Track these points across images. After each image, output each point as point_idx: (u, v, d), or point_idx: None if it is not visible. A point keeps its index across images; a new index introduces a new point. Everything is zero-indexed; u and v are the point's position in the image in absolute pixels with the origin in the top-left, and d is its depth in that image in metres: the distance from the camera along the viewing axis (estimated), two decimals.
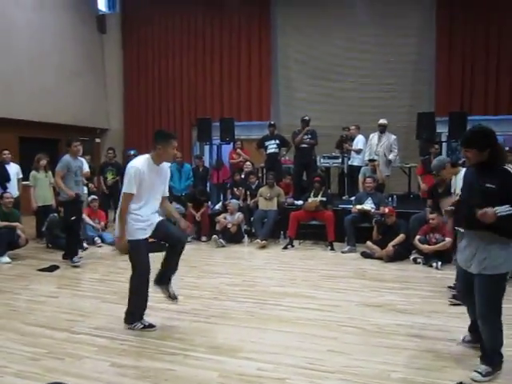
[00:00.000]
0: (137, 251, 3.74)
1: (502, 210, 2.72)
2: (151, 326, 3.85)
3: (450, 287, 4.73)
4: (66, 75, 11.43)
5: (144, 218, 3.71)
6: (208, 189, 9.22)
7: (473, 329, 3.35)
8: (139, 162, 3.68)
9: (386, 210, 6.57)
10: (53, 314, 4.20)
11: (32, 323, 3.98)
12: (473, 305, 3.06)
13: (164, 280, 3.91)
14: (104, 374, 3.03)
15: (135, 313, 3.86)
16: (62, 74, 11.35)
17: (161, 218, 3.90)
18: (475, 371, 2.96)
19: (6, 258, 6.24)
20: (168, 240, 3.90)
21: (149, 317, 4.07)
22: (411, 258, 6.23)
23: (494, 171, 2.86)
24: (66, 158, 6.13)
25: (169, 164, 3.99)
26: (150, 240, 3.85)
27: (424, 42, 10.65)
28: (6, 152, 7.66)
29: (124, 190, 3.66)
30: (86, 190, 6.70)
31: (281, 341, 3.58)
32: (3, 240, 6.26)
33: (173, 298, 3.99)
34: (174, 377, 3.00)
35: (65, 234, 6.50)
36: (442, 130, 9.31)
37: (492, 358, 3.00)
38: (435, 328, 3.80)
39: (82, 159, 6.44)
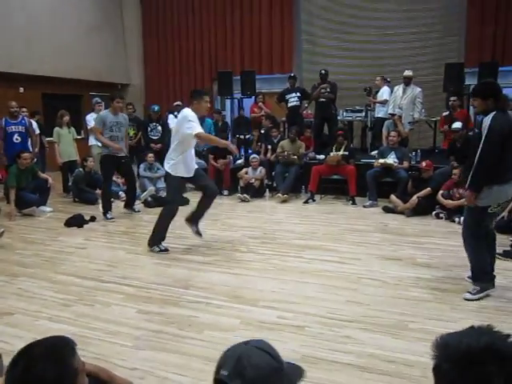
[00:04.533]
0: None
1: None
2: (166, 249, 4.71)
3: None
4: (84, 30, 11.34)
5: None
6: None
7: None
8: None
9: (424, 163, 6.47)
10: (81, 264, 4.39)
11: (63, 272, 4.17)
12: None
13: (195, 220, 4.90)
14: (131, 320, 3.18)
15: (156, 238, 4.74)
16: (81, 28, 11.25)
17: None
18: (467, 292, 3.50)
19: (49, 208, 6.80)
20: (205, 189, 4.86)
21: (174, 267, 4.25)
22: (433, 213, 6.18)
23: None
24: (103, 113, 6.25)
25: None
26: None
27: None
28: (24, 109, 7.77)
29: (198, 130, 4.49)
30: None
31: (301, 291, 3.67)
32: (45, 191, 6.76)
33: (199, 234, 4.95)
34: (198, 323, 3.13)
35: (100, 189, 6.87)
36: (472, 82, 8.96)
37: (478, 276, 3.51)
38: (455, 281, 3.81)
39: (125, 115, 6.41)
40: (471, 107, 8.17)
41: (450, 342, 1.05)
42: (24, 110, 7.75)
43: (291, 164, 7.49)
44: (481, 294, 3.46)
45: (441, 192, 6.01)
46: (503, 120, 3.30)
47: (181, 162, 4.61)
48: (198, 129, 4.49)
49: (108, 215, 6.20)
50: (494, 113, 3.29)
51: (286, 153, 7.49)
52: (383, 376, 2.49)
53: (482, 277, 3.51)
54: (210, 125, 8.82)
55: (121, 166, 6.24)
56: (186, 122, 4.46)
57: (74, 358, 1.28)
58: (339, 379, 2.47)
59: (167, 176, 4.80)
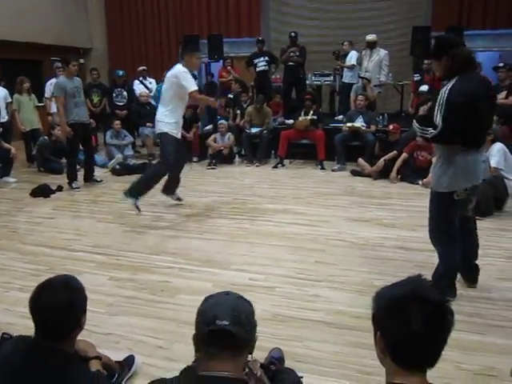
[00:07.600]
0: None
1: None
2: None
3: None
4: None
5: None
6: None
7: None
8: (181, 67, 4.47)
9: (391, 126, 6.56)
10: (50, 234, 4.33)
11: (31, 243, 4.11)
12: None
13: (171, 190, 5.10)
14: (103, 287, 3.19)
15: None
16: None
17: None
18: None
19: (13, 178, 6.61)
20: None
21: (145, 235, 4.25)
22: (399, 176, 6.32)
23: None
24: (60, 79, 5.95)
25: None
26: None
27: None
28: None
29: (193, 88, 4.42)
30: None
31: (271, 254, 3.75)
32: (7, 161, 6.50)
33: (180, 200, 5.24)
34: (171, 287, 3.18)
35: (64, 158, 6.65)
36: None
37: (438, 280, 2.88)
38: (419, 240, 3.93)
39: (78, 78, 6.11)
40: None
41: (381, 293, 1.17)
42: None
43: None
44: None
45: (404, 154, 6.13)
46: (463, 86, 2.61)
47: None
48: (194, 86, 4.49)
49: (74, 184, 6.07)
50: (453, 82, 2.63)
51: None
52: (350, 330, 2.62)
53: (442, 280, 2.95)
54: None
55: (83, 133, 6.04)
56: (183, 78, 4.40)
57: (83, 288, 1.66)
58: (309, 335, 2.57)
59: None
